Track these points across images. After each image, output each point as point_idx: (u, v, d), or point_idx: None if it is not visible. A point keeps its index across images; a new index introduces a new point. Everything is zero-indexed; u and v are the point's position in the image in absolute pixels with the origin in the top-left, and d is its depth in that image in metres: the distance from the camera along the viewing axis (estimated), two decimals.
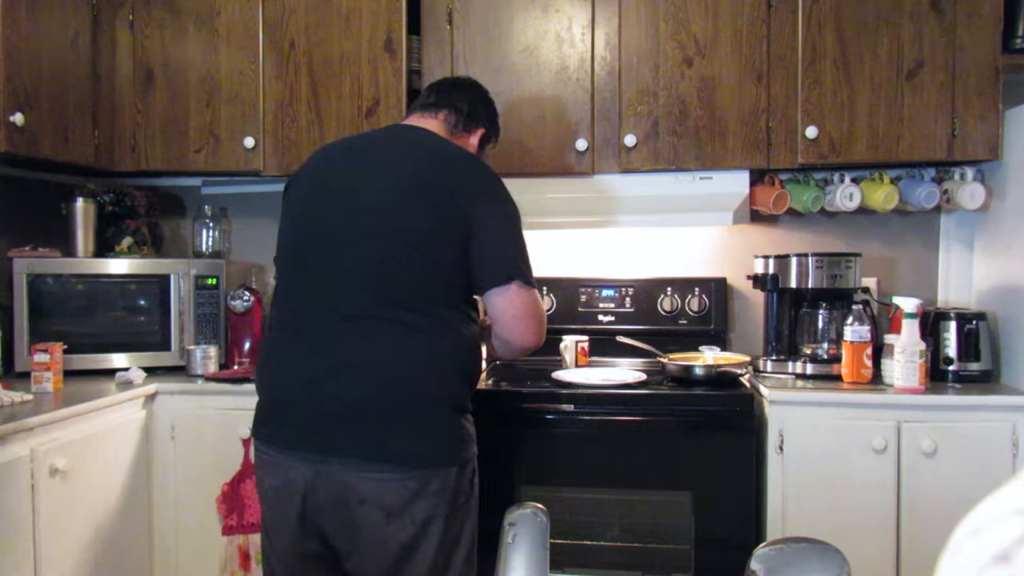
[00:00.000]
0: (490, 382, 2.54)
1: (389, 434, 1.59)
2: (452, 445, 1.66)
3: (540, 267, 2.91)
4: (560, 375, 2.50)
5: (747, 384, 2.40)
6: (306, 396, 1.62)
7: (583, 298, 2.82)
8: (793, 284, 2.49)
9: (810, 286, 2.47)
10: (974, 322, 2.38)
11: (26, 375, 2.34)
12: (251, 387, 2.40)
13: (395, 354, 1.61)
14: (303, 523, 1.63)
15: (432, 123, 1.86)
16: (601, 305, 2.81)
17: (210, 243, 2.99)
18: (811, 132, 2.44)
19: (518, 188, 2.66)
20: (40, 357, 2.28)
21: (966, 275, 2.69)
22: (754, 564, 0.79)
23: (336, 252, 1.65)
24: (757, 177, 2.65)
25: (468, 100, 1.91)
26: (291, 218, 1.78)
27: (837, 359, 2.42)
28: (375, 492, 1.58)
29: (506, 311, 1.70)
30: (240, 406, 2.40)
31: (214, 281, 2.71)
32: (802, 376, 2.46)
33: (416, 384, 1.62)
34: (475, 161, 1.79)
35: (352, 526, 1.60)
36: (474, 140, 1.92)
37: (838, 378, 2.39)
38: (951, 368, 2.38)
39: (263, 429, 1.70)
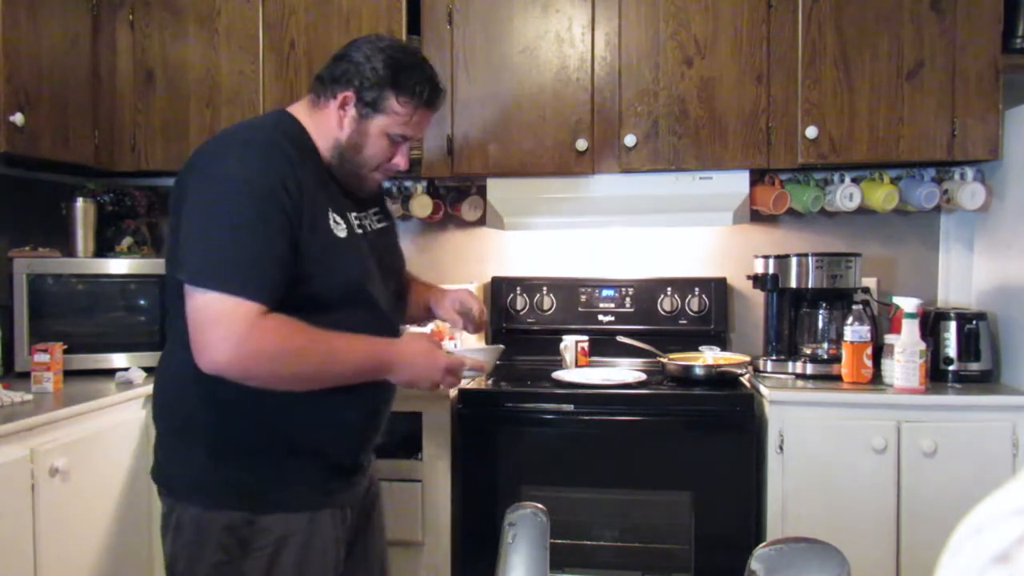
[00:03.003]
0: (489, 382, 2.54)
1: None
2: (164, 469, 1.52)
3: (540, 267, 2.93)
4: (560, 375, 2.50)
5: (747, 384, 2.40)
6: None
7: (583, 298, 2.82)
8: (793, 284, 2.49)
9: (810, 286, 2.47)
10: (974, 322, 2.38)
11: (26, 375, 2.34)
12: None
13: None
14: None
15: (297, 105, 1.55)
16: (601, 305, 2.81)
17: None
18: (811, 132, 2.44)
19: (518, 188, 2.68)
20: (40, 357, 2.28)
21: (966, 275, 2.69)
22: (754, 564, 0.79)
23: None
24: (757, 177, 2.65)
25: (332, 60, 1.53)
26: None
27: (837, 359, 2.42)
28: None
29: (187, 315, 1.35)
30: None
31: None
32: (802, 376, 2.46)
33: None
34: (204, 146, 1.46)
35: None
36: (336, 111, 1.47)
37: (838, 378, 2.39)
38: (951, 368, 2.38)
39: None
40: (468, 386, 2.39)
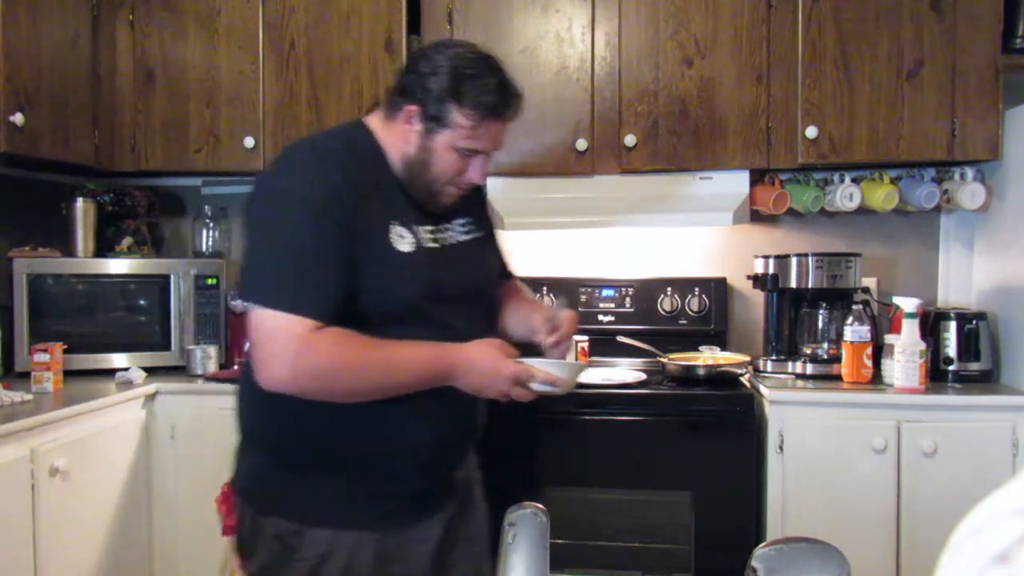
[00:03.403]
0: None
1: None
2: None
3: (540, 267, 2.92)
4: None
5: (747, 384, 2.40)
6: None
7: (583, 298, 2.82)
8: (793, 284, 2.49)
9: (810, 286, 2.47)
10: (974, 322, 2.38)
11: (26, 375, 2.34)
12: None
13: None
14: None
15: (374, 115, 1.51)
16: (601, 305, 2.81)
17: (210, 243, 2.99)
18: (811, 132, 2.44)
19: (518, 188, 2.68)
20: (40, 357, 2.28)
21: (966, 275, 2.69)
22: (754, 564, 0.79)
23: None
24: (757, 177, 2.65)
25: (402, 71, 1.48)
26: None
27: (837, 359, 2.41)
28: None
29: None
30: None
31: (214, 281, 2.71)
32: (802, 376, 2.46)
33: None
34: (272, 164, 1.47)
35: None
36: (403, 125, 1.42)
37: (838, 378, 2.39)
38: (951, 368, 2.38)
39: None
40: None
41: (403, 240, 1.39)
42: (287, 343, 1.28)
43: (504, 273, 1.74)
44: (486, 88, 1.40)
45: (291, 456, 1.45)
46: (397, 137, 1.43)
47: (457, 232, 1.52)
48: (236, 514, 1.54)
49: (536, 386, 1.42)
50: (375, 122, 1.47)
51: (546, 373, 1.41)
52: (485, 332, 1.55)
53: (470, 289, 1.52)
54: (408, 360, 1.36)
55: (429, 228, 1.46)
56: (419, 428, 1.42)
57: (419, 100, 1.39)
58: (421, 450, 1.46)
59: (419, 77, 1.40)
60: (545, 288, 2.81)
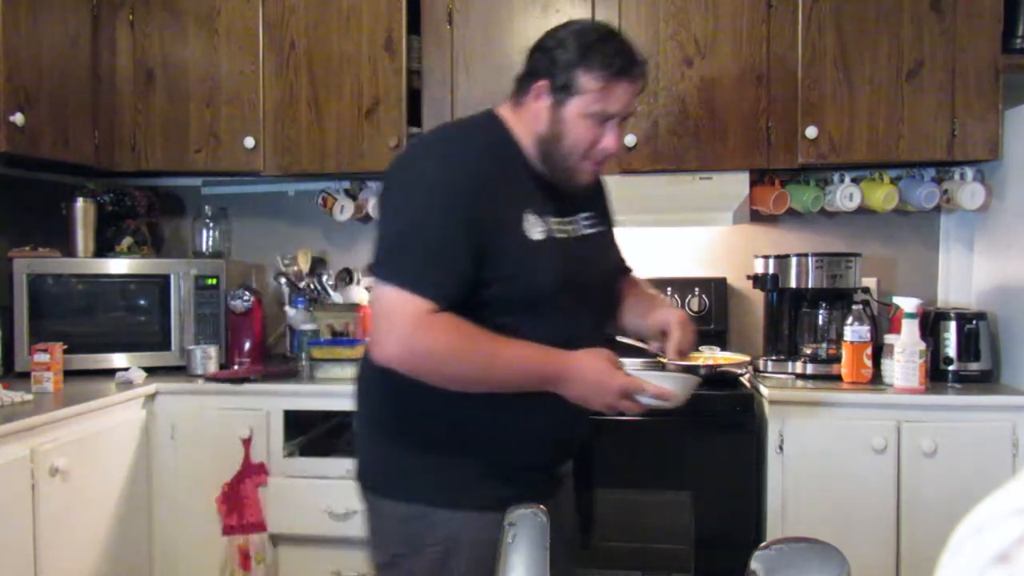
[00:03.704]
0: None
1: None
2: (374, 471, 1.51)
3: None
4: None
5: (747, 384, 2.40)
6: None
7: None
8: (793, 284, 2.49)
9: (810, 286, 2.47)
10: (974, 322, 2.38)
11: (26, 375, 2.34)
12: (251, 387, 2.41)
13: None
14: None
15: (503, 106, 1.51)
16: None
17: (210, 243, 2.99)
18: (811, 132, 2.44)
19: None
20: (40, 357, 2.28)
21: (966, 275, 2.69)
22: (754, 564, 0.79)
23: None
24: (757, 177, 2.65)
25: (527, 57, 1.48)
26: None
27: (837, 359, 2.41)
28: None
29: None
30: (240, 406, 2.40)
31: (214, 281, 2.71)
32: (802, 376, 2.46)
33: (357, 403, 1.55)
34: (406, 147, 1.52)
35: None
36: (533, 104, 1.42)
37: (838, 378, 2.39)
38: (951, 368, 2.38)
39: None
40: None
41: (536, 229, 1.39)
42: (402, 320, 1.29)
43: (622, 268, 1.73)
44: (611, 51, 1.39)
45: (421, 440, 1.43)
46: (528, 119, 1.43)
47: (582, 225, 1.51)
48: (364, 508, 1.51)
49: (645, 400, 1.38)
50: (505, 111, 1.48)
51: (656, 387, 1.38)
52: (604, 327, 1.59)
53: (594, 281, 1.52)
54: (517, 359, 1.35)
55: (558, 220, 1.45)
56: (543, 414, 1.41)
57: (547, 74, 1.40)
58: (544, 436, 1.46)
59: (545, 53, 1.42)
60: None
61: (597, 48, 1.39)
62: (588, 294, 1.49)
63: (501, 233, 1.36)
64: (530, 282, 1.38)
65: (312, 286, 2.81)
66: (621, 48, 1.42)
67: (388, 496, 1.45)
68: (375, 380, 1.45)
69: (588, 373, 1.36)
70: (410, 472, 1.44)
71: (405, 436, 1.45)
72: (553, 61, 1.40)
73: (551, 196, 1.45)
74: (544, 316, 1.39)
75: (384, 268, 1.34)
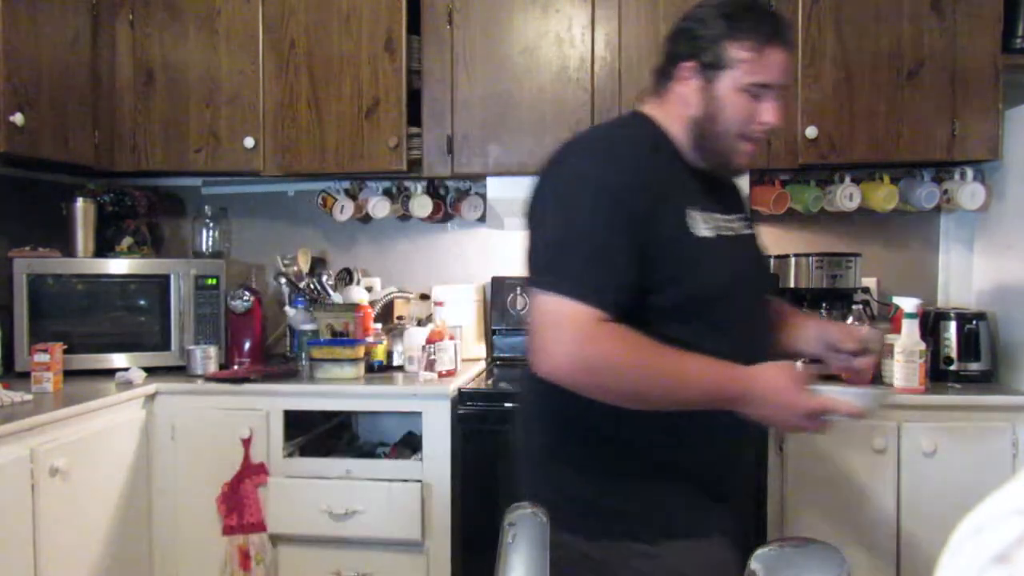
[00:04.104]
0: (489, 382, 2.54)
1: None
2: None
3: None
4: None
5: None
6: None
7: None
8: (793, 284, 2.49)
9: (810, 286, 2.47)
10: (974, 322, 2.38)
11: (26, 375, 2.34)
12: (251, 387, 2.41)
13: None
14: None
15: (646, 104, 1.42)
16: None
17: (210, 243, 2.99)
18: (811, 132, 2.44)
19: (518, 188, 2.67)
20: (40, 357, 2.28)
21: (966, 275, 2.69)
22: (754, 564, 0.79)
23: None
24: (757, 177, 2.65)
25: (665, 44, 1.39)
26: None
27: None
28: None
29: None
30: (240, 406, 2.40)
31: (214, 281, 2.71)
32: None
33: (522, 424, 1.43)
34: (558, 148, 1.36)
35: None
36: (680, 88, 1.34)
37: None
38: (951, 368, 2.38)
39: None
40: (468, 386, 2.40)
41: (703, 226, 1.30)
42: (571, 331, 1.19)
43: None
44: (756, 17, 1.31)
45: (620, 467, 1.30)
46: (677, 107, 1.34)
47: (742, 225, 1.42)
48: (555, 547, 1.30)
49: (837, 419, 1.26)
50: (650, 108, 1.39)
51: (850, 405, 1.24)
52: (767, 340, 1.45)
53: (760, 284, 1.42)
54: (697, 374, 1.23)
55: (723, 217, 1.35)
56: (733, 430, 1.32)
57: (692, 54, 1.31)
58: (735, 451, 1.39)
59: (686, 34, 1.33)
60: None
61: (742, 16, 1.30)
62: (757, 299, 1.39)
63: (667, 232, 1.25)
64: (701, 283, 1.28)
65: (312, 286, 2.81)
66: (767, 14, 1.34)
67: (583, 533, 1.29)
68: (565, 409, 1.30)
69: (774, 392, 1.23)
70: (606, 505, 1.29)
71: (597, 463, 1.31)
72: (696, 39, 1.31)
73: (710, 192, 1.35)
74: (715, 324, 1.28)
75: (546, 277, 1.23)
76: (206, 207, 3.01)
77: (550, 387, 1.24)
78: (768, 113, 1.31)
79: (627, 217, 1.22)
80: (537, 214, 1.31)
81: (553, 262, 1.24)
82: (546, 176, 1.33)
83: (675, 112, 1.35)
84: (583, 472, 1.31)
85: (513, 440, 1.46)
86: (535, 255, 1.28)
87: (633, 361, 1.20)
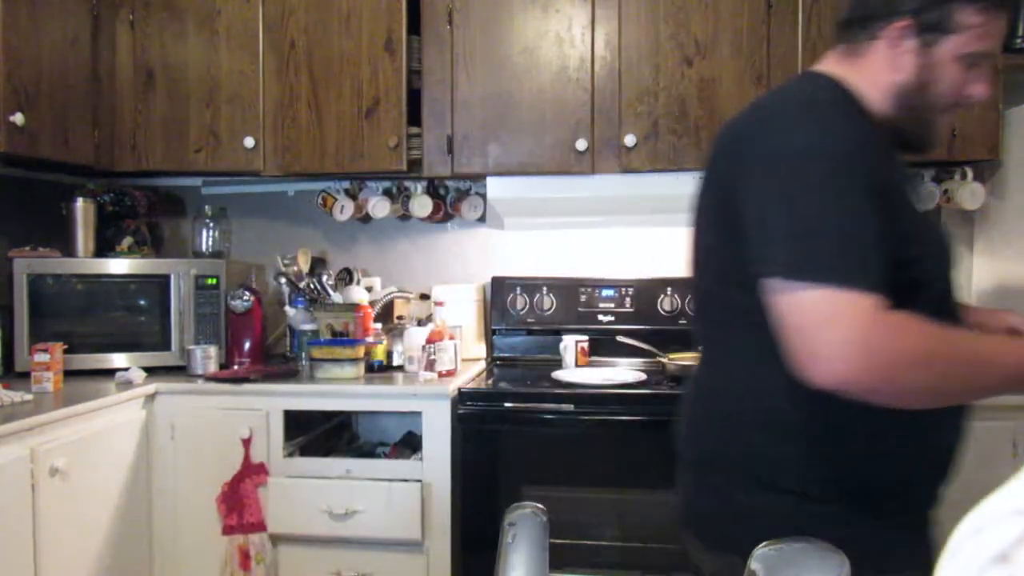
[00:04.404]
0: (489, 382, 2.54)
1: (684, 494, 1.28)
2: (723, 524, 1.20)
3: (540, 267, 2.93)
4: (560, 375, 2.50)
5: None
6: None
7: (583, 298, 2.82)
8: None
9: None
10: None
11: (26, 375, 2.34)
12: (251, 387, 2.41)
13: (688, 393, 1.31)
14: None
15: (826, 62, 1.25)
16: (601, 305, 2.81)
17: (210, 243, 2.99)
18: None
19: (518, 188, 2.68)
20: (40, 357, 2.28)
21: (966, 275, 2.69)
22: (754, 564, 0.79)
23: None
24: None
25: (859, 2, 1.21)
26: None
27: None
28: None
29: (778, 319, 1.06)
30: (240, 406, 2.40)
31: (214, 281, 2.71)
32: None
33: (690, 435, 1.28)
34: (745, 120, 1.20)
35: None
36: (887, 51, 1.17)
37: None
38: None
39: None
40: (468, 386, 2.40)
41: (918, 198, 1.17)
42: (854, 326, 0.99)
43: None
44: None
45: (850, 485, 1.14)
46: (878, 71, 1.17)
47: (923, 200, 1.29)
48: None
49: None
50: (833, 67, 1.22)
51: None
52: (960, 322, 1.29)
53: (953, 267, 1.27)
54: (992, 354, 1.07)
55: (914, 190, 1.22)
56: (953, 425, 1.20)
57: (909, 11, 1.14)
58: (950, 453, 1.25)
59: None
60: (545, 288, 2.81)
61: None
62: (951, 284, 1.24)
63: (896, 205, 1.10)
64: (934, 259, 1.15)
65: (312, 286, 2.82)
66: None
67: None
68: (758, 416, 1.15)
69: None
70: (848, 539, 0.99)
71: (831, 486, 1.13)
72: None
73: (900, 162, 1.21)
74: (940, 307, 1.12)
75: (801, 266, 1.03)
76: (206, 207, 3.01)
77: (772, 395, 1.09)
78: (982, 86, 1.18)
79: (865, 189, 1.05)
80: (755, 197, 1.10)
81: (802, 249, 1.04)
82: (741, 153, 1.15)
83: (875, 76, 1.18)
84: (812, 491, 1.13)
85: (694, 463, 1.28)
86: (769, 242, 1.07)
87: (932, 349, 1.03)
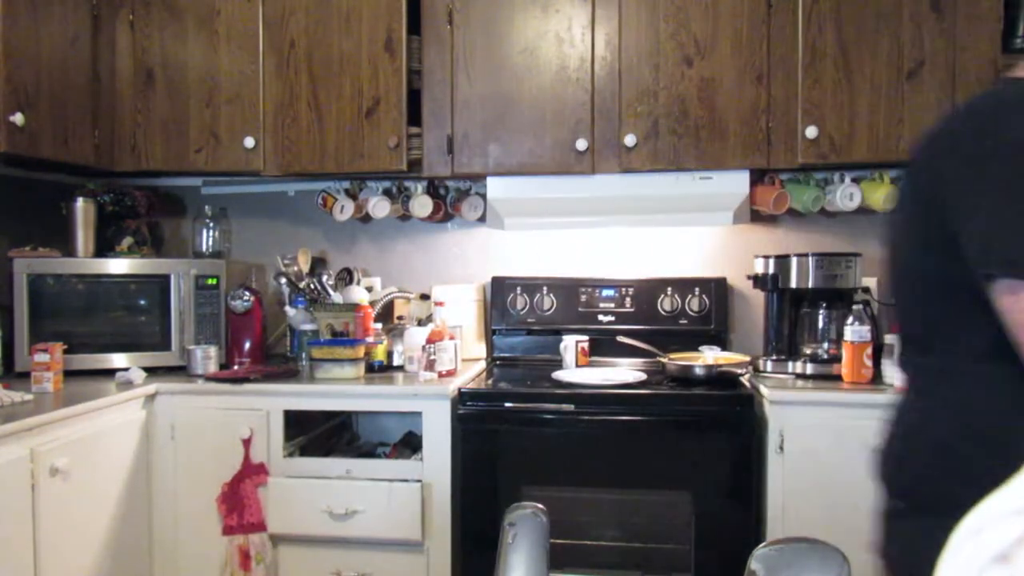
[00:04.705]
0: (490, 382, 2.54)
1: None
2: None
3: (540, 267, 2.93)
4: (560, 375, 2.50)
5: (747, 384, 2.40)
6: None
7: (583, 298, 2.82)
8: (793, 284, 2.49)
9: (810, 286, 2.47)
10: None
11: (26, 375, 2.34)
12: (251, 387, 2.41)
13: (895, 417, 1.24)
14: None
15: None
16: (601, 305, 2.81)
17: (210, 243, 2.99)
18: (811, 132, 2.44)
19: (518, 188, 2.68)
20: (40, 357, 2.28)
21: None
22: (754, 564, 0.79)
23: None
24: (757, 177, 2.65)
25: None
26: None
27: (837, 359, 2.41)
28: None
29: (1008, 322, 1.00)
30: (240, 406, 2.40)
31: (214, 281, 2.71)
32: (802, 376, 2.46)
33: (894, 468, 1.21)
34: (962, 118, 1.13)
35: None
36: None
37: (838, 378, 2.39)
38: None
39: None
40: (468, 386, 2.40)
41: None
42: None
43: None
44: None
45: None
46: None
47: None
48: None
49: None
50: None
51: None
52: None
53: None
54: None
55: None
56: None
57: None
58: None
59: None
60: (545, 288, 2.81)
61: None
62: None
63: None
64: None
65: (312, 286, 2.82)
66: None
67: None
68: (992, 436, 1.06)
69: None
70: None
71: None
72: None
73: None
74: None
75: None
76: (206, 207, 3.01)
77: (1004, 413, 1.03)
78: None
79: None
80: (982, 191, 1.03)
81: None
82: (949, 168, 1.09)
83: None
84: None
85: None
86: (1009, 239, 0.99)
87: None
